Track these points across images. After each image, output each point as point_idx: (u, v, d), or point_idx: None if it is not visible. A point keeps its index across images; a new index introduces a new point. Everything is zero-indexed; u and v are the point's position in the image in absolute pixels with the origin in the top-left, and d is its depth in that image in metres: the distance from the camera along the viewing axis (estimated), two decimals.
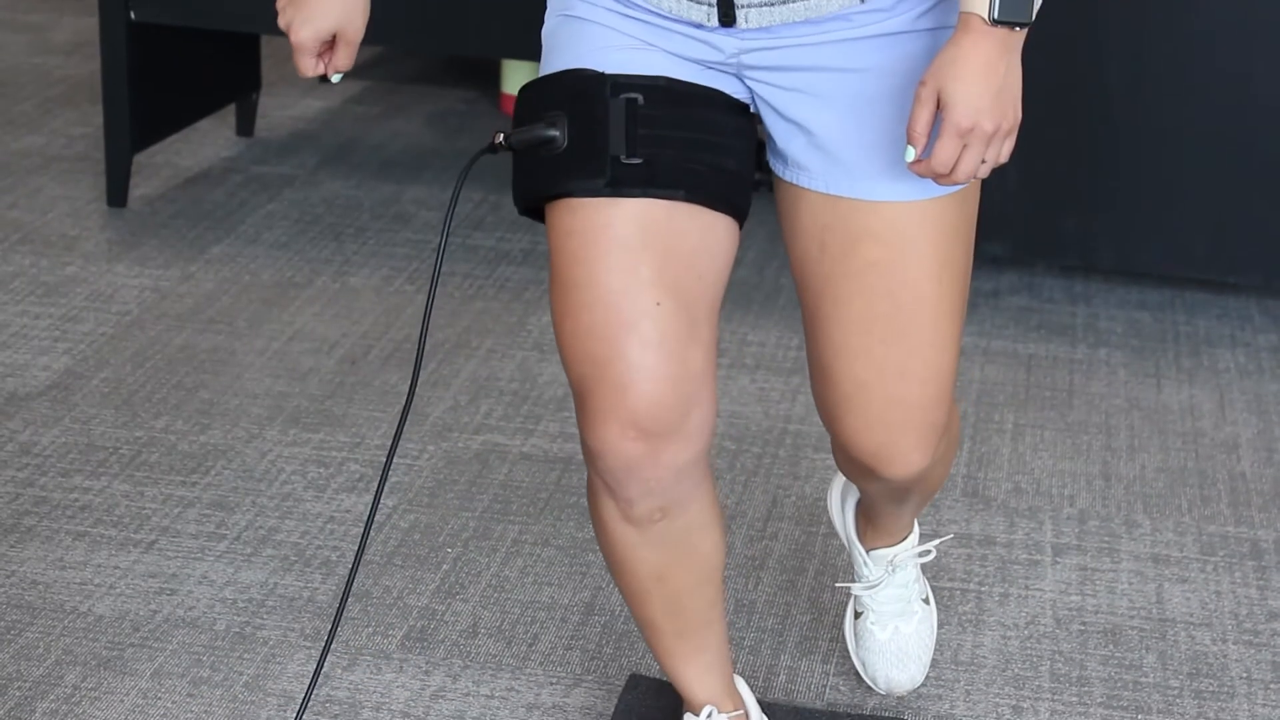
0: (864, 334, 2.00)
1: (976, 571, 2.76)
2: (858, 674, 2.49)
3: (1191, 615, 2.67)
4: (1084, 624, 2.64)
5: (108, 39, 3.95)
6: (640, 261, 1.88)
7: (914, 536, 2.37)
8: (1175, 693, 2.49)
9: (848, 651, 2.52)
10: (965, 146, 1.79)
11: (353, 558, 2.73)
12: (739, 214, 1.96)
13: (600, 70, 1.90)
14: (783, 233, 2.05)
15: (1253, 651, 2.59)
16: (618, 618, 2.61)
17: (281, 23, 1.96)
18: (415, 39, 3.92)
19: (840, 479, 2.41)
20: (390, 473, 2.98)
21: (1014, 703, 2.46)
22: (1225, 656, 2.57)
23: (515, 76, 4.78)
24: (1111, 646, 2.59)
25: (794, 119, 1.95)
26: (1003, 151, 1.81)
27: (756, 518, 2.88)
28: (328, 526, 2.82)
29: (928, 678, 2.50)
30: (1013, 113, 1.80)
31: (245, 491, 2.91)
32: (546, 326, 3.53)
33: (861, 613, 2.42)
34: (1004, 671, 2.53)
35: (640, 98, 1.89)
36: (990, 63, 1.78)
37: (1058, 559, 2.80)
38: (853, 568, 2.42)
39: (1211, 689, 2.50)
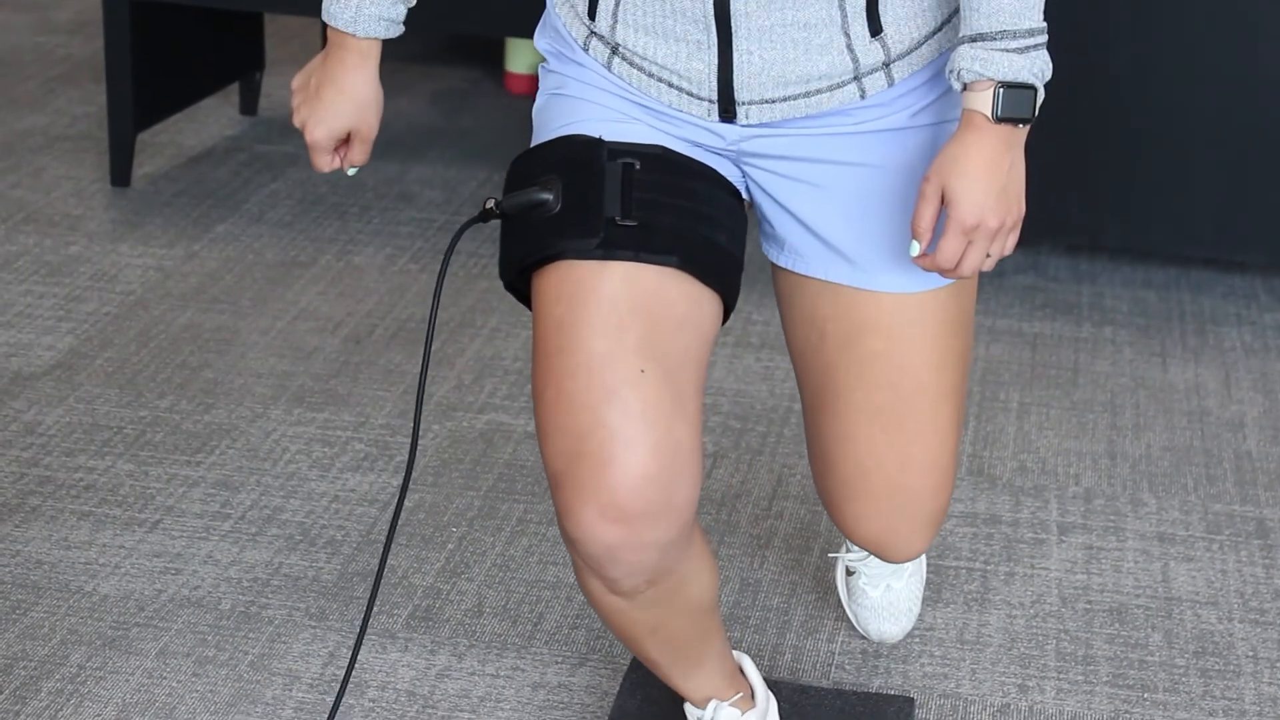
0: (866, 423, 2.01)
1: (982, 550, 2.76)
2: (864, 652, 2.49)
3: (1197, 594, 2.67)
4: (1090, 603, 2.64)
5: (111, 18, 3.94)
6: (627, 327, 1.82)
7: None
8: (1181, 671, 2.49)
9: (853, 629, 2.52)
10: (970, 243, 1.80)
11: (357, 537, 2.73)
12: (726, 294, 1.91)
13: (596, 136, 1.89)
14: (781, 317, 2.05)
15: (1259, 630, 2.59)
16: None
17: (296, 121, 1.97)
18: (419, 18, 3.91)
19: None
20: (395, 452, 2.98)
21: (1020, 681, 2.46)
22: (1231, 635, 2.57)
23: (519, 55, 4.77)
24: (1117, 625, 2.59)
25: (791, 208, 1.96)
26: (1007, 245, 1.82)
27: (762, 496, 2.88)
28: (332, 506, 2.81)
29: (933, 656, 2.50)
30: (1017, 208, 1.80)
31: (250, 471, 2.90)
32: None
33: (854, 572, 2.43)
34: (1010, 650, 2.52)
35: (637, 163, 1.87)
36: (994, 159, 1.78)
37: (1063, 538, 2.80)
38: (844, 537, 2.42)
39: (1217, 668, 2.50)
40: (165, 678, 2.40)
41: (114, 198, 3.99)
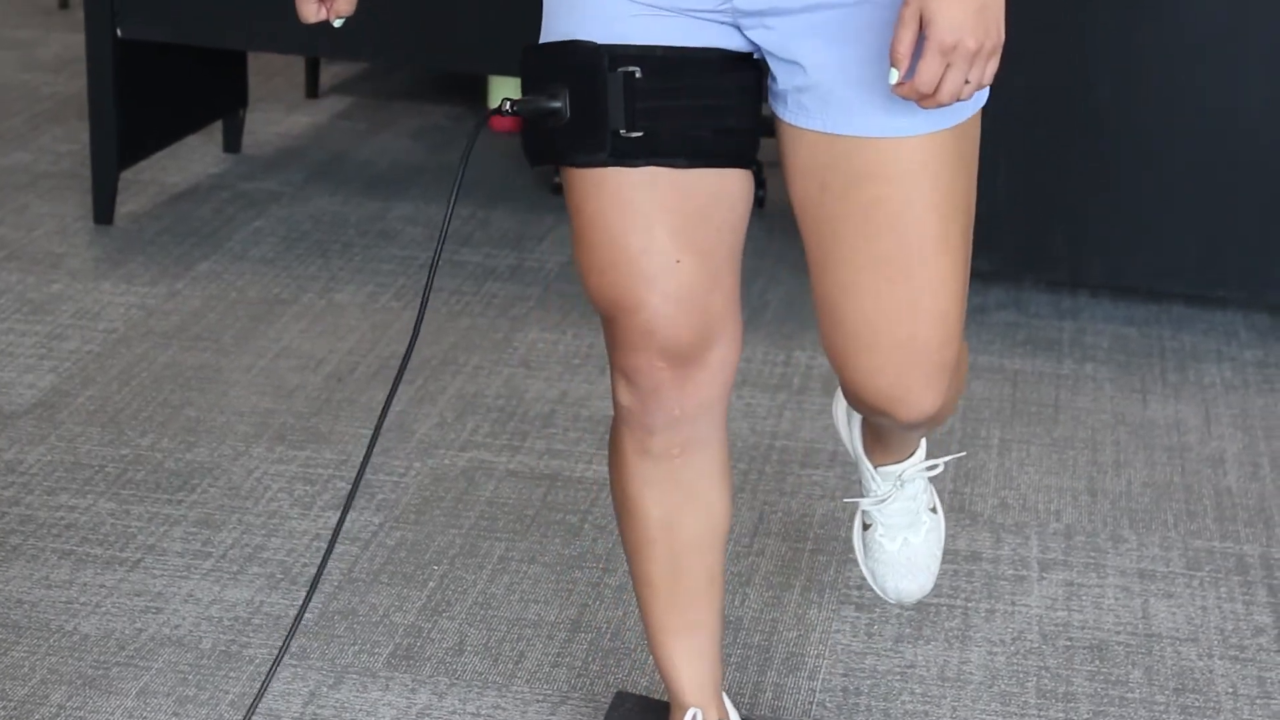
0: (869, 272, 1.99)
1: (963, 587, 2.76)
2: (845, 690, 2.49)
3: (1177, 630, 2.67)
4: (1070, 639, 2.64)
5: (94, 56, 3.95)
6: (655, 223, 1.95)
7: (921, 451, 2.35)
8: (1161, 708, 2.49)
9: (834, 666, 2.53)
10: (949, 66, 1.79)
11: (338, 575, 2.73)
12: (747, 164, 2.02)
13: (598, 41, 1.93)
14: (784, 176, 2.04)
15: (1238, 667, 2.59)
16: (604, 634, 2.61)
17: None
18: (402, 55, 3.92)
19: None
20: (376, 490, 2.98)
21: (1000, 719, 2.46)
22: (1211, 672, 2.58)
23: (501, 92, 4.78)
24: (1098, 662, 2.59)
25: (791, 58, 1.96)
26: (986, 72, 1.81)
27: (743, 533, 2.88)
28: (314, 544, 2.81)
29: (914, 693, 2.50)
30: (995, 31, 1.80)
31: (231, 509, 2.90)
32: (533, 343, 3.53)
33: (870, 525, 2.41)
34: (990, 688, 2.53)
35: (638, 70, 1.92)
36: None
37: (1044, 574, 2.80)
38: (860, 482, 2.40)
39: (1197, 704, 2.50)
40: (146, 717, 2.39)
41: (97, 235, 3.99)
